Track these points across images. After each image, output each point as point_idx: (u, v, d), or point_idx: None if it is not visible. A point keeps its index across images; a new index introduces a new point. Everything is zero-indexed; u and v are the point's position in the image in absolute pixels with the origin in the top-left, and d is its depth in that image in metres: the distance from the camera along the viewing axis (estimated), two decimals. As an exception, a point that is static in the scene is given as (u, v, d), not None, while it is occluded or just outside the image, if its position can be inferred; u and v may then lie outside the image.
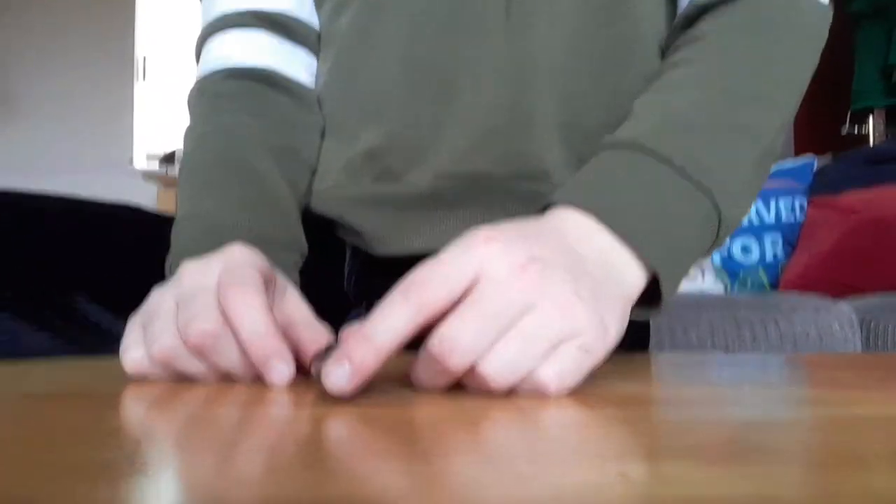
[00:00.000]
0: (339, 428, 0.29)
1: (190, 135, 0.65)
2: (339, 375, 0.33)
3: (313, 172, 0.68)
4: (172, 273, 0.53)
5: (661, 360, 0.55)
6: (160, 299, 0.44)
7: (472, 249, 0.37)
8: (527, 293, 0.36)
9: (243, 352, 0.41)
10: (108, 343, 0.63)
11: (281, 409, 0.33)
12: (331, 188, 0.67)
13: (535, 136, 0.62)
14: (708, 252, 0.50)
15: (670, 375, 0.47)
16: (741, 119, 0.51)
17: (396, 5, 0.64)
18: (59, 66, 4.14)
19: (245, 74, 0.67)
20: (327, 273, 0.72)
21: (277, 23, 0.68)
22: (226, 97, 0.66)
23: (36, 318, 0.60)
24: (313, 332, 0.45)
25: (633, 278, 0.44)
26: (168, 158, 3.83)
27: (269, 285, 0.45)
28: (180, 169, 0.64)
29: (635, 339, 0.73)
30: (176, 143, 3.87)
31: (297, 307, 0.47)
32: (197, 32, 0.72)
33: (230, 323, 0.41)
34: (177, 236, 0.56)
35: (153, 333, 0.41)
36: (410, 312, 0.35)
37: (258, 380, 0.41)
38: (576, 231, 0.43)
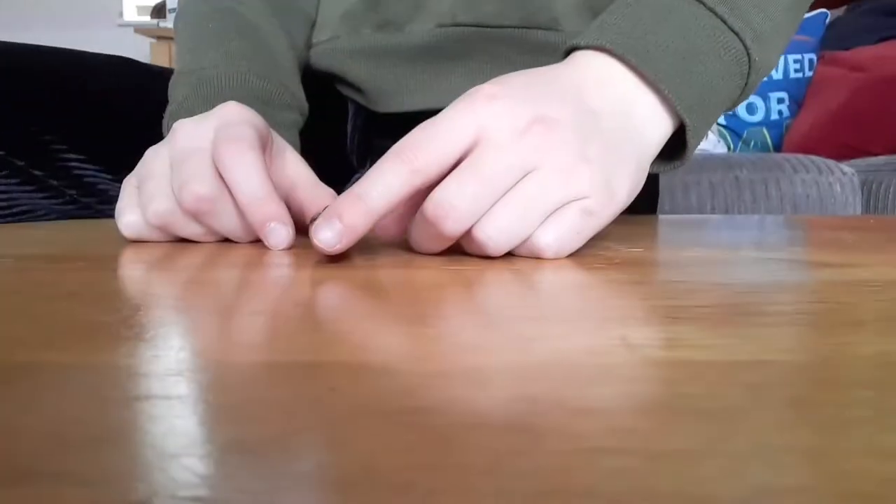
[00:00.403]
0: (338, 291, 0.28)
1: None
2: (328, 234, 0.33)
3: (313, 22, 0.66)
4: (168, 131, 0.52)
5: (661, 222, 0.55)
6: (154, 160, 0.43)
7: (473, 108, 0.35)
8: (528, 156, 0.35)
9: (241, 214, 0.40)
10: (106, 203, 0.62)
11: (280, 271, 0.33)
12: (330, 40, 0.64)
13: None
14: (737, 101, 0.48)
15: (670, 237, 0.47)
16: None
17: None
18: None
19: None
20: (329, 133, 0.71)
21: None
22: None
23: (31, 178, 0.59)
24: (314, 193, 0.44)
25: (656, 129, 0.42)
26: (159, 10, 3.70)
27: (265, 145, 0.44)
28: (175, 22, 0.62)
29: (644, 201, 0.72)
30: (166, -5, 3.73)
31: (296, 167, 0.46)
32: None
33: (228, 185, 0.40)
34: (173, 93, 0.55)
35: (148, 196, 0.41)
36: (405, 175, 0.34)
37: (258, 241, 0.41)
38: (595, 79, 0.41)
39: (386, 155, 0.35)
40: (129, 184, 0.43)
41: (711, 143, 1.98)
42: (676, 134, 0.44)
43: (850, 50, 1.98)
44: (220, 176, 0.40)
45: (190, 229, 0.41)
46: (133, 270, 0.34)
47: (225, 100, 0.46)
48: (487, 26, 0.60)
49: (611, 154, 0.38)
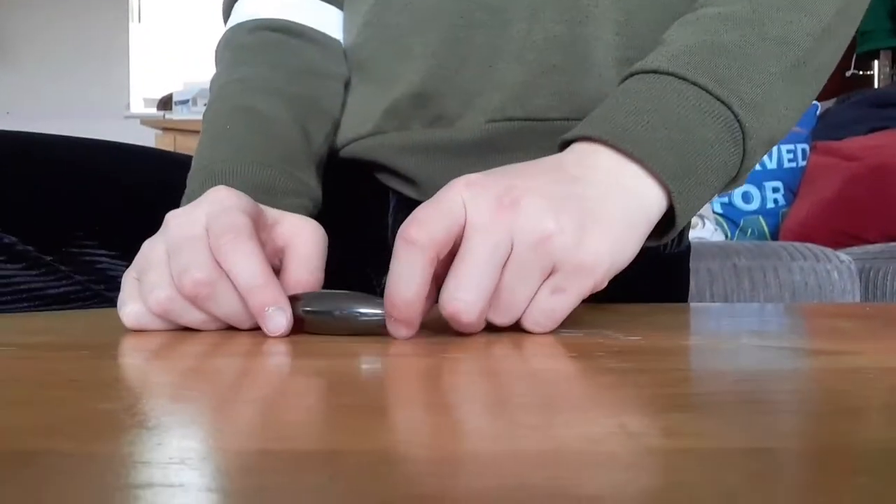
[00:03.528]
0: (336, 380, 0.29)
1: (213, 87, 0.66)
2: (400, 332, 0.38)
3: (335, 122, 0.67)
4: None
5: (659, 310, 0.55)
6: (151, 250, 0.43)
7: (455, 191, 0.39)
8: (507, 230, 0.38)
9: (240, 298, 0.41)
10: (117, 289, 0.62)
11: (279, 360, 0.33)
12: (376, 135, 0.65)
13: (592, 73, 0.59)
14: (741, 170, 0.48)
15: (668, 325, 0.47)
16: (769, 30, 0.49)
17: None
18: (54, 10, 4.08)
19: (270, 27, 0.67)
20: (369, 225, 0.71)
21: None
22: (248, 49, 0.66)
23: (42, 264, 0.60)
24: (298, 271, 0.45)
25: (649, 194, 0.43)
26: (165, 103, 3.79)
27: (257, 223, 0.44)
28: (202, 117, 0.64)
29: (676, 290, 0.72)
30: (172, 87, 3.83)
31: (292, 236, 0.46)
32: None
33: (227, 273, 0.41)
34: (189, 186, 0.56)
35: (148, 285, 0.41)
36: (424, 259, 0.37)
37: (258, 328, 0.41)
38: (577, 158, 0.44)
39: (397, 244, 0.38)
40: (130, 276, 0.44)
41: (709, 231, 2.00)
42: (670, 210, 0.45)
43: (841, 140, 2.02)
44: (217, 263, 0.41)
45: (190, 316, 0.42)
46: (135, 359, 0.34)
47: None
48: (537, 119, 0.61)
49: (591, 216, 0.40)
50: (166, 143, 3.57)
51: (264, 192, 0.54)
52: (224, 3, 0.72)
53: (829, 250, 1.52)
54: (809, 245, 1.53)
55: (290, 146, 0.60)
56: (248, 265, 0.40)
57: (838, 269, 1.46)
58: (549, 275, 0.39)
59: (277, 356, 0.34)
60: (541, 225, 0.38)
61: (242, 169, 0.55)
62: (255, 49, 0.66)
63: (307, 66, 0.66)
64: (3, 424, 0.21)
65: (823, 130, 2.10)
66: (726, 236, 2.07)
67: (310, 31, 0.68)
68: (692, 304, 0.68)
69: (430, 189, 0.64)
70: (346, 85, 0.69)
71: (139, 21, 4.32)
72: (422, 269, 0.37)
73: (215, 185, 0.52)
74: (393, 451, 0.18)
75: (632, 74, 0.49)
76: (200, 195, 0.51)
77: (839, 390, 0.26)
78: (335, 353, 0.34)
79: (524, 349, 0.35)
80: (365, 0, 0.67)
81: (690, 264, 0.77)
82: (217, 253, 0.41)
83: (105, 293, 0.62)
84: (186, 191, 0.56)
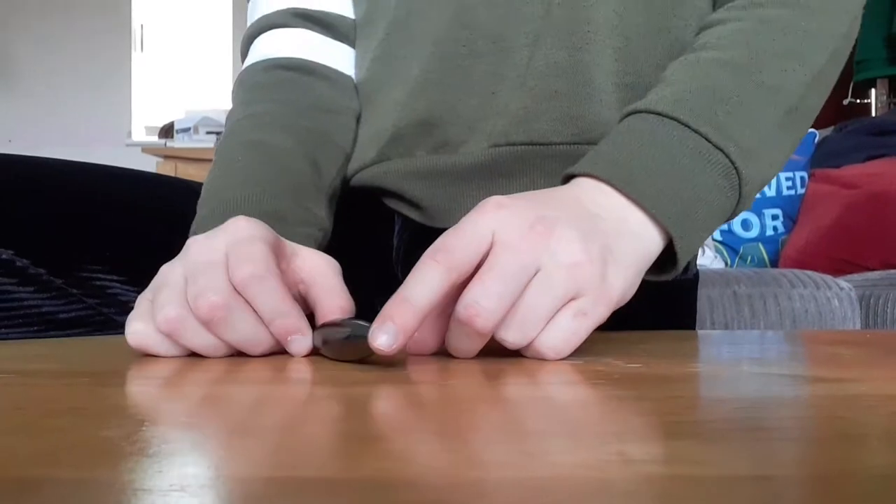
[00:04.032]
0: (341, 407, 0.29)
1: (227, 124, 0.67)
2: (384, 337, 0.36)
3: (347, 156, 0.68)
4: None
5: (660, 337, 0.55)
6: (168, 274, 0.44)
7: (485, 216, 0.40)
8: (536, 253, 0.39)
9: (254, 325, 0.42)
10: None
11: (284, 387, 0.33)
12: (381, 162, 0.66)
13: (594, 98, 0.61)
14: (735, 211, 0.51)
15: (669, 353, 0.47)
16: (766, 78, 0.51)
17: None
18: (57, 38, 4.11)
19: (282, 65, 0.69)
20: (374, 246, 0.72)
21: (319, 20, 0.69)
22: (261, 88, 0.68)
23: (53, 287, 0.60)
24: (328, 292, 0.45)
25: (650, 236, 0.46)
26: (167, 131, 3.80)
27: (278, 253, 0.45)
28: (215, 151, 0.65)
29: (686, 318, 0.74)
30: (174, 115, 3.85)
31: (311, 268, 0.47)
32: None
33: (250, 303, 0.41)
34: (198, 213, 0.57)
35: (159, 304, 0.42)
36: (442, 274, 0.38)
37: (267, 353, 0.42)
38: (590, 194, 0.46)
39: (422, 259, 0.39)
40: (144, 297, 0.44)
41: (709, 259, 2.00)
42: (670, 245, 0.47)
43: (839, 168, 2.03)
44: (235, 289, 0.41)
45: (198, 339, 0.41)
46: (137, 386, 0.34)
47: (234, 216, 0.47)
48: (540, 144, 0.62)
49: (611, 251, 0.42)
50: (167, 170, 3.58)
51: (274, 220, 0.54)
52: (243, 42, 0.74)
53: (829, 277, 1.52)
54: (809, 272, 1.53)
55: (299, 178, 0.60)
56: (271, 296, 0.41)
57: (838, 296, 1.46)
58: (570, 300, 0.40)
59: (282, 384, 0.34)
60: (572, 252, 0.40)
61: (252, 197, 0.56)
62: (267, 87, 0.68)
63: (318, 102, 0.67)
64: (3, 452, 0.21)
65: (821, 158, 2.10)
66: (726, 263, 2.08)
67: (322, 68, 0.69)
68: (692, 332, 0.68)
69: (435, 213, 0.65)
70: (358, 120, 0.70)
71: (142, 50, 4.36)
72: (438, 284, 0.38)
73: (226, 212, 0.53)
74: (391, 479, 0.18)
75: (636, 112, 0.51)
76: (210, 222, 0.51)
77: (840, 417, 0.26)
78: (340, 381, 0.34)
79: (525, 377, 0.35)
80: (374, 36, 0.68)
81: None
82: (239, 285, 0.41)
83: (115, 318, 0.62)
84: (196, 217, 0.57)
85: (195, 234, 0.54)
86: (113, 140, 4.06)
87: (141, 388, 0.33)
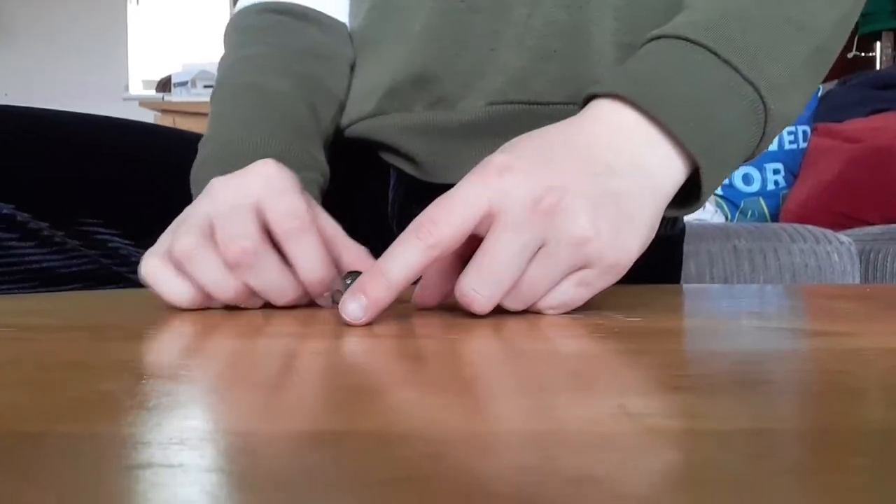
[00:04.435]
0: (339, 361, 0.29)
1: (220, 67, 0.67)
2: (355, 307, 0.36)
3: (341, 103, 0.68)
4: (195, 187, 0.54)
5: (660, 292, 0.55)
6: (192, 214, 0.44)
7: (485, 182, 0.38)
8: (540, 230, 0.38)
9: (279, 274, 0.42)
10: (124, 266, 0.62)
11: (282, 341, 0.33)
12: (378, 115, 0.66)
13: (591, 58, 0.60)
14: (757, 150, 0.49)
15: (669, 307, 0.47)
16: (794, 13, 0.48)
17: None
18: (51, -10, 4.05)
19: (274, 9, 0.68)
20: (370, 200, 0.72)
21: None
22: (253, 30, 0.68)
23: (52, 241, 0.59)
24: (347, 247, 0.46)
25: (670, 174, 0.43)
26: (164, 84, 3.77)
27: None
28: (211, 95, 0.65)
29: (668, 270, 0.73)
30: (172, 69, 3.81)
31: (329, 225, 0.47)
32: None
33: (289, 261, 0.42)
34: (198, 155, 0.57)
35: (177, 234, 0.42)
36: (422, 251, 0.37)
37: (289, 306, 0.43)
38: (611, 128, 0.43)
39: (405, 231, 0.37)
40: (164, 235, 0.44)
41: (709, 213, 2.00)
42: (691, 178, 0.45)
43: (842, 122, 2.01)
44: (265, 232, 0.42)
45: (212, 272, 0.41)
46: (136, 340, 0.34)
47: (243, 162, 0.47)
48: (537, 103, 0.61)
49: (622, 214, 0.40)
50: (165, 124, 3.55)
51: (281, 160, 0.54)
52: None
53: (829, 232, 1.52)
54: (809, 227, 1.53)
55: (300, 122, 0.60)
56: (314, 250, 0.42)
57: (838, 250, 1.46)
58: (576, 270, 0.39)
59: (281, 337, 0.34)
60: (580, 229, 0.38)
61: (258, 140, 0.56)
62: (260, 30, 0.67)
63: (311, 46, 0.67)
64: (2, 406, 0.21)
65: (824, 112, 2.09)
66: (726, 218, 2.07)
67: (314, 13, 0.68)
68: (692, 286, 0.68)
69: (431, 169, 0.65)
70: (352, 68, 0.69)
71: (137, 3, 4.29)
72: (415, 261, 0.37)
73: (232, 154, 0.53)
74: (393, 432, 0.18)
75: (662, 36, 0.47)
76: (215, 163, 0.51)
77: (839, 371, 0.26)
78: (342, 334, 0.34)
79: (525, 331, 0.36)
80: None
81: (690, 246, 0.78)
82: (281, 237, 0.42)
83: (117, 270, 0.62)
84: (198, 158, 0.56)
85: (197, 175, 0.53)
86: (110, 94, 4.03)
87: (141, 342, 0.33)
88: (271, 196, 0.42)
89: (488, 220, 0.38)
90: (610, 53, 0.60)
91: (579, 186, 0.39)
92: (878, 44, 3.00)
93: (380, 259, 0.38)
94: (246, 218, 0.41)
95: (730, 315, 0.43)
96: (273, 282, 0.42)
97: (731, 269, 1.40)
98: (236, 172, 0.45)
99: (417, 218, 0.38)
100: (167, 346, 0.33)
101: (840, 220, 1.78)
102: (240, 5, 0.71)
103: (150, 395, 0.22)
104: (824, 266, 1.44)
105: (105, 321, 0.40)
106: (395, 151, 0.66)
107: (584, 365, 0.28)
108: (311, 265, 0.42)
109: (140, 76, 4.34)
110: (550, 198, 0.38)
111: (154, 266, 0.42)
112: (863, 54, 3.00)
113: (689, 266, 1.38)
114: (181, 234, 0.42)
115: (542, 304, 0.40)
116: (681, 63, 0.45)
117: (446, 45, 0.63)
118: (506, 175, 0.38)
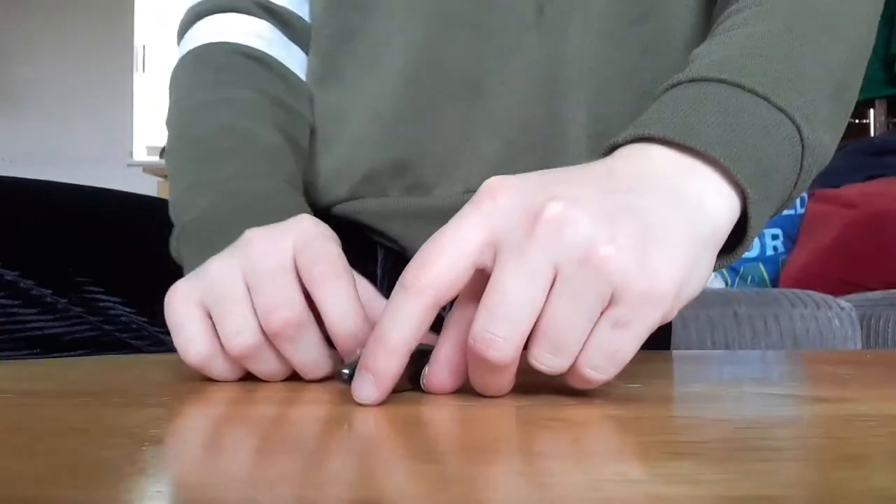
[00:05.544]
0: (338, 430, 0.29)
1: (184, 104, 0.62)
2: (365, 390, 0.32)
3: (311, 128, 0.66)
4: (184, 244, 0.52)
5: (661, 358, 0.55)
6: (225, 277, 0.39)
7: (479, 210, 0.33)
8: (547, 250, 0.31)
9: (319, 347, 0.39)
10: (125, 332, 0.62)
11: (288, 409, 0.33)
12: (356, 200, 0.66)
13: (567, 150, 0.61)
14: (795, 189, 0.42)
15: (669, 373, 0.47)
16: (808, 51, 0.43)
17: (401, 3, 0.62)
18: (58, 57, 4.13)
19: (244, 53, 0.65)
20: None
21: (278, 15, 0.67)
22: (227, 71, 0.64)
23: (55, 308, 0.60)
24: (375, 305, 0.43)
25: (718, 203, 0.36)
26: (168, 151, 3.81)
27: None
28: (172, 138, 0.61)
29: (657, 336, 0.71)
30: (176, 136, 3.85)
31: (364, 285, 0.45)
32: None
33: (322, 312, 0.38)
34: (189, 203, 0.54)
35: (233, 326, 0.38)
36: (416, 303, 0.32)
37: (320, 379, 0.40)
38: (630, 164, 0.36)
39: (397, 285, 0.33)
40: (190, 301, 0.39)
41: (709, 278, 2.00)
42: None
43: (839, 188, 2.03)
44: (317, 304, 0.38)
45: (267, 366, 0.39)
46: (138, 406, 0.34)
47: (256, 213, 0.44)
48: None
49: (651, 230, 0.33)
50: (168, 189, 3.58)
51: (288, 214, 0.53)
52: (188, 13, 0.68)
53: (829, 297, 1.52)
54: (810, 292, 1.53)
55: (295, 178, 0.59)
56: (345, 303, 0.38)
57: (839, 316, 1.46)
58: (608, 307, 0.32)
59: (287, 405, 0.34)
60: (590, 238, 0.31)
61: (263, 188, 0.54)
62: (235, 72, 0.64)
63: (284, 100, 0.64)
64: (4, 472, 0.21)
65: (821, 178, 2.10)
66: (726, 283, 2.08)
67: (279, 65, 0.66)
68: (693, 352, 0.68)
69: (413, 250, 0.64)
70: (311, 130, 0.67)
71: (143, 70, 4.37)
72: (412, 317, 0.32)
73: (238, 199, 0.51)
74: (384, 500, 0.18)
75: (675, 85, 0.42)
76: (230, 210, 0.49)
77: (841, 437, 0.26)
78: (343, 402, 0.34)
79: (523, 396, 0.35)
80: (330, 52, 0.66)
81: (690, 312, 0.77)
82: (311, 282, 0.38)
83: (118, 336, 0.62)
84: (197, 203, 0.53)
85: (203, 221, 0.51)
86: (114, 160, 4.06)
87: (142, 408, 0.33)
88: (304, 247, 0.39)
89: (491, 250, 0.32)
90: (583, 144, 0.61)
91: (586, 199, 0.32)
92: (872, 111, 3.04)
93: (376, 326, 0.34)
94: (285, 282, 0.38)
95: (731, 381, 0.43)
96: (312, 355, 0.39)
97: (732, 335, 1.40)
98: (270, 226, 0.41)
99: (408, 267, 0.33)
100: (169, 412, 0.33)
101: (839, 286, 1.78)
102: (196, 43, 0.66)
103: (151, 462, 0.22)
104: (825, 332, 1.43)
105: (107, 387, 0.40)
106: (377, 233, 0.66)
107: (583, 431, 0.28)
108: (342, 314, 0.37)
109: (144, 142, 4.40)
110: (552, 208, 0.32)
111: (205, 358, 0.39)
112: (857, 121, 3.04)
113: (689, 332, 1.38)
114: (237, 325, 0.38)
115: (583, 365, 0.32)
116: (701, 97, 0.39)
117: (422, 131, 0.62)
118: (499, 198, 0.33)
